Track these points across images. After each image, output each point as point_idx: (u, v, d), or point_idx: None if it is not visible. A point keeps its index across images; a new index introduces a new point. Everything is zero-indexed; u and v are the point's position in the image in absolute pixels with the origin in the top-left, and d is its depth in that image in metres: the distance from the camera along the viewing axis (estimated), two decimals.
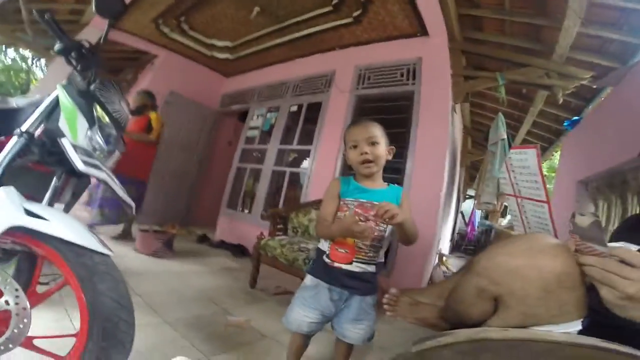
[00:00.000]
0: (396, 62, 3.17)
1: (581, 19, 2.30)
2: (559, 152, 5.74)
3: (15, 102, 1.12)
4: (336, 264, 1.06)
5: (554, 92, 2.94)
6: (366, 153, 1.09)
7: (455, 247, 7.73)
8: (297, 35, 3.57)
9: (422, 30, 3.04)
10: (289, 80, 4.06)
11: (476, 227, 7.44)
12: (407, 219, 0.98)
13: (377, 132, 1.12)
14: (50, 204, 0.95)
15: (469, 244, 7.80)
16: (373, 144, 1.10)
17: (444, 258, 3.23)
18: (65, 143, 0.89)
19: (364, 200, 1.08)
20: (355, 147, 1.11)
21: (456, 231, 7.82)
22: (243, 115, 4.62)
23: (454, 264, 5.41)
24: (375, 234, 1.06)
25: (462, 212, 7.99)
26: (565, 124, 3.40)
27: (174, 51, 4.50)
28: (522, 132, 4.54)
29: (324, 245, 1.12)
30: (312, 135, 3.54)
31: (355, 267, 1.05)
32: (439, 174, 2.59)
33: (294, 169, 3.72)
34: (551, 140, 4.78)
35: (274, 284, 2.44)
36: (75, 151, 0.89)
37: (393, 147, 1.17)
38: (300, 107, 3.79)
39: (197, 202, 5.00)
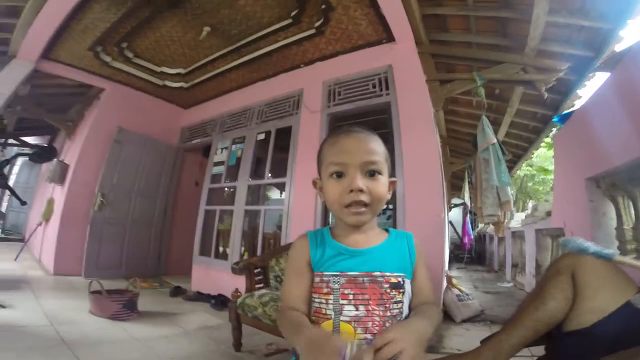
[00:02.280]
0: (366, 72, 2.92)
1: (549, 5, 2.16)
2: (539, 150, 5.68)
3: None
4: None
5: (537, 87, 2.77)
6: (360, 191, 0.63)
7: (453, 259, 7.46)
8: (255, 54, 3.25)
9: (389, 36, 2.83)
10: (252, 105, 3.69)
11: (472, 235, 7.21)
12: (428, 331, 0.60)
13: (380, 151, 0.68)
14: None
15: (467, 253, 7.57)
16: (373, 173, 0.65)
17: (453, 280, 2.85)
18: None
19: (356, 273, 0.64)
20: (339, 175, 0.66)
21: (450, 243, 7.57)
22: (208, 150, 4.18)
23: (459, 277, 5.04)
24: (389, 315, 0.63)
25: (450, 222, 7.80)
26: (555, 119, 3.21)
27: (121, 83, 4.02)
28: (501, 135, 4.38)
29: None
30: (285, 165, 3.14)
31: None
32: (435, 193, 2.23)
33: (271, 207, 3.26)
34: (530, 139, 4.64)
35: (264, 341, 1.96)
36: None
37: (395, 179, 0.73)
38: (268, 134, 3.41)
39: (169, 251, 4.45)
